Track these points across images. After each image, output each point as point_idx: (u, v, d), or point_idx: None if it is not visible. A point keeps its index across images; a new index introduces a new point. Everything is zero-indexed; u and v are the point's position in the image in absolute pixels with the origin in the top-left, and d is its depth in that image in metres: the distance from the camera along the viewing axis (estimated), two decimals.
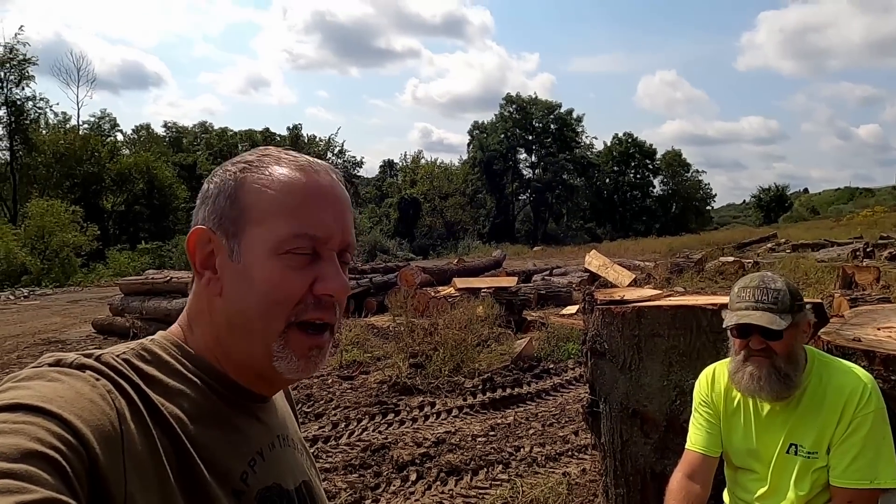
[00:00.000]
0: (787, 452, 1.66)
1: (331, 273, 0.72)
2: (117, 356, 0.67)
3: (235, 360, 0.74)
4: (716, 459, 1.81)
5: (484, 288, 9.66)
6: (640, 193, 55.78)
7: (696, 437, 1.83)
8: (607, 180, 55.19)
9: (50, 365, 0.63)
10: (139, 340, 0.73)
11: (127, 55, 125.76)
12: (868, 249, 15.53)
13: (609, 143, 55.99)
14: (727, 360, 1.80)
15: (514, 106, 53.15)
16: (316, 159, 0.78)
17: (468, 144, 54.03)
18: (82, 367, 0.63)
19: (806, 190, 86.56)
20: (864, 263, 11.92)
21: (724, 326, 1.72)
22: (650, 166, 56.32)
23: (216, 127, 47.88)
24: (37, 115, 31.87)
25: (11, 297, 16.36)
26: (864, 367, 1.78)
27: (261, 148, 0.78)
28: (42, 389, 0.58)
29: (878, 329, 2.40)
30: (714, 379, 1.84)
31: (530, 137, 52.70)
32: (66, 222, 23.20)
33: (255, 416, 0.77)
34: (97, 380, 0.62)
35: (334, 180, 0.76)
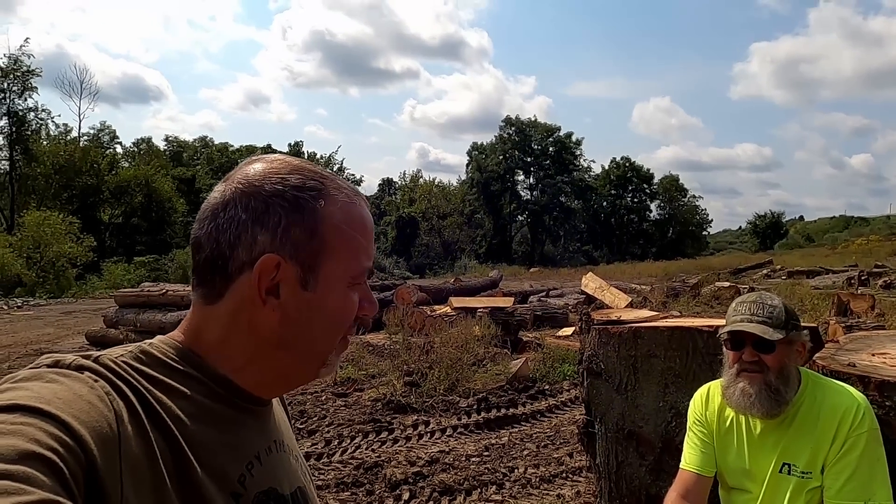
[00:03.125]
0: (781, 472, 1.67)
1: (370, 297, 0.82)
2: (116, 358, 0.67)
3: (273, 373, 0.77)
4: (710, 479, 1.81)
5: (480, 308, 9.66)
6: (636, 217, 56.10)
7: (690, 457, 1.83)
8: (604, 203, 55.52)
9: (48, 366, 0.63)
10: (137, 343, 0.73)
11: (128, 69, 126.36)
12: (863, 277, 15.59)
13: (607, 167, 56.44)
14: (722, 379, 1.81)
15: (513, 128, 53.68)
16: (353, 185, 0.84)
17: (467, 165, 54.49)
18: (81, 369, 0.63)
19: (801, 217, 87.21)
20: (860, 291, 11.97)
21: (718, 335, 1.75)
22: (647, 190, 56.73)
23: (216, 142, 48.25)
24: (38, 126, 32.07)
25: (5, 308, 16.27)
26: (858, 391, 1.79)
27: (296, 163, 0.78)
28: (40, 390, 0.58)
29: (873, 355, 2.42)
30: (708, 398, 1.85)
31: (529, 159, 53.15)
32: (62, 233, 23.15)
33: (253, 420, 0.78)
34: (95, 381, 0.62)
35: None
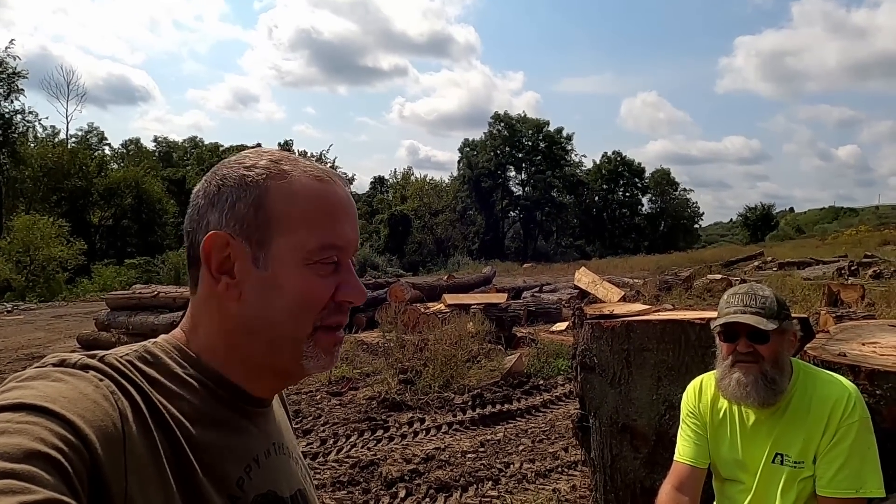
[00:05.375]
0: (774, 462, 1.68)
1: (352, 282, 0.76)
2: (121, 357, 0.68)
3: (251, 362, 0.75)
4: (704, 471, 1.81)
5: (474, 304, 9.66)
6: (628, 211, 56.26)
7: (684, 449, 1.84)
8: (596, 198, 55.64)
9: (54, 365, 0.63)
10: (142, 343, 0.74)
11: (114, 70, 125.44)
12: (853, 268, 15.71)
13: (598, 162, 56.54)
14: (714, 371, 1.81)
15: (502, 124, 53.63)
16: (327, 167, 0.80)
17: (458, 162, 54.45)
18: (86, 368, 0.63)
19: (791, 209, 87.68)
20: (850, 281, 12.06)
21: (711, 327, 1.75)
22: (639, 185, 56.87)
23: (206, 142, 47.97)
24: (25, 128, 31.73)
25: None
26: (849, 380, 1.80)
27: (265, 151, 0.78)
28: (46, 389, 0.58)
29: (863, 344, 2.43)
30: (701, 390, 1.86)
31: (519, 155, 53.15)
32: (52, 237, 22.96)
33: (253, 423, 0.78)
34: (100, 380, 0.62)
35: (347, 189, 0.79)
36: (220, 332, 0.74)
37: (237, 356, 0.75)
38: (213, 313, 0.75)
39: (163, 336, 0.76)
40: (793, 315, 1.80)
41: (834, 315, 6.66)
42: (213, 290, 0.74)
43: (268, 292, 0.72)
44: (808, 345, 2.36)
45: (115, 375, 0.64)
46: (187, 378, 0.71)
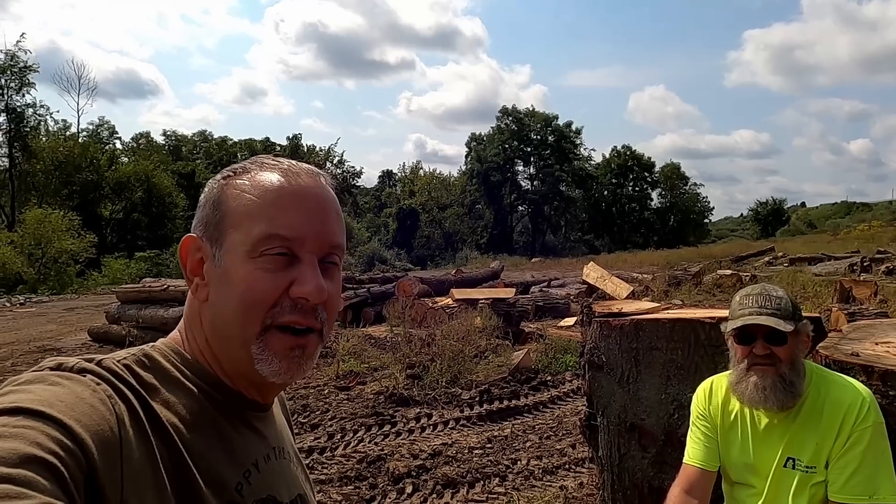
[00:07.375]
0: (785, 466, 1.65)
1: (307, 276, 0.71)
2: (118, 361, 0.67)
3: (224, 365, 0.74)
4: (714, 474, 1.79)
5: (482, 299, 9.64)
6: (638, 206, 55.86)
7: (693, 451, 1.82)
8: (605, 192, 55.27)
9: (51, 369, 0.63)
10: (140, 346, 0.73)
11: (122, 64, 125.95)
12: (865, 264, 15.52)
13: (608, 156, 56.15)
14: (725, 373, 1.79)
15: (510, 118, 53.38)
16: (301, 163, 0.77)
17: (466, 156, 54.31)
18: (83, 372, 0.63)
19: (803, 204, 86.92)
20: (862, 278, 11.93)
21: (726, 331, 1.70)
22: (648, 179, 56.45)
23: (215, 136, 48.09)
24: (37, 122, 31.93)
25: (7, 305, 16.29)
26: (862, 382, 1.77)
27: (254, 157, 0.79)
28: (43, 393, 0.58)
29: (877, 344, 2.40)
30: (712, 392, 1.83)
31: (528, 149, 52.91)
32: (63, 230, 23.17)
33: (252, 427, 0.77)
34: (98, 384, 0.62)
35: (318, 183, 0.75)
36: (201, 334, 0.75)
37: (216, 358, 0.74)
38: (195, 316, 0.75)
39: (161, 340, 0.77)
40: (804, 315, 1.77)
41: (846, 312, 6.59)
42: (192, 292, 0.75)
43: (222, 289, 0.72)
44: (820, 344, 2.33)
45: (113, 380, 0.64)
46: (185, 383, 0.71)
